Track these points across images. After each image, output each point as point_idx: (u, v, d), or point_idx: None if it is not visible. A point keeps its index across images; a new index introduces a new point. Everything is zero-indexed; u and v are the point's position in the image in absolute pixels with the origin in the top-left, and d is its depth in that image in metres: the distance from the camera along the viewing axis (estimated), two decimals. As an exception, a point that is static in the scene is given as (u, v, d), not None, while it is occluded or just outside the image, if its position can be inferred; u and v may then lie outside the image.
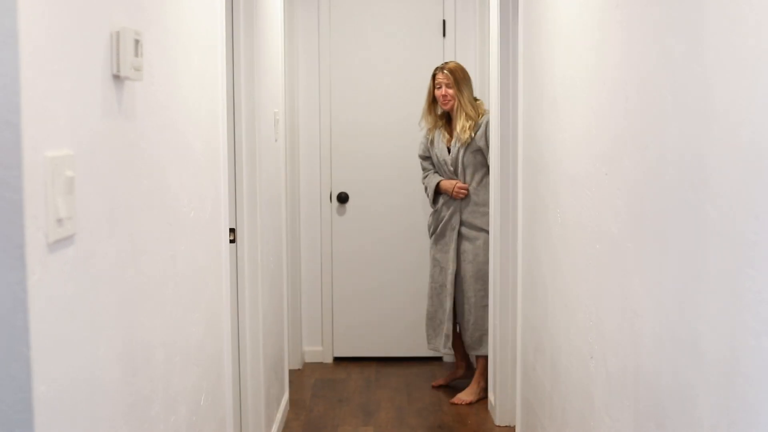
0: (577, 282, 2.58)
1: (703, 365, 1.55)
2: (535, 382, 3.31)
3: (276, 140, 4.45)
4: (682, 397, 1.66)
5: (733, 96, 1.41)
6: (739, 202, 1.38)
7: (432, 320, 5.23)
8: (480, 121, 4.97)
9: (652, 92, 1.84)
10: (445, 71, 5.07)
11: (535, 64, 3.27)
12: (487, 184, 4.98)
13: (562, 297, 2.80)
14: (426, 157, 5.25)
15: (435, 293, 5.18)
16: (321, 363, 5.81)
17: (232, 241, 3.62)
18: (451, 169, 5.06)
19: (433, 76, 5.13)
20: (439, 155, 5.11)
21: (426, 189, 5.25)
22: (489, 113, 5.00)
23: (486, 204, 4.96)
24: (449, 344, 5.10)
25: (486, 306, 5.02)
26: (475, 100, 5.09)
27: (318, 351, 5.84)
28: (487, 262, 4.99)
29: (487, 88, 5.36)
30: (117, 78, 1.68)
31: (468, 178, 5.03)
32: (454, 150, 5.04)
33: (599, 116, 2.31)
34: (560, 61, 2.82)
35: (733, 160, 1.41)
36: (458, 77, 5.05)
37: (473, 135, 4.95)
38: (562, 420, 2.81)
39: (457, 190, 4.99)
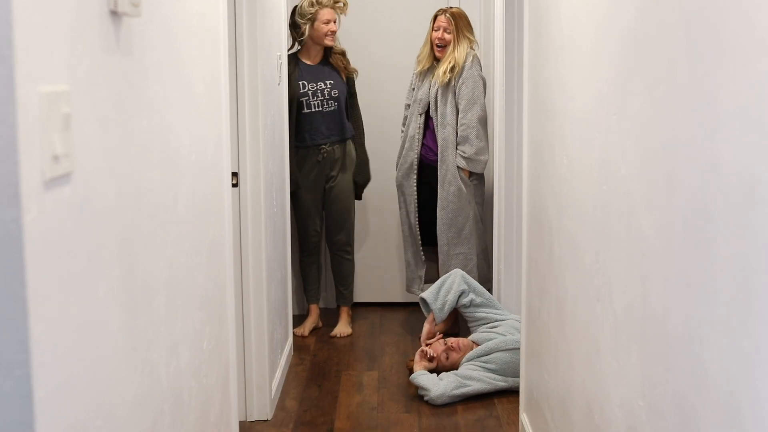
0: (584, 224, 2.55)
1: (713, 305, 1.52)
2: (540, 327, 3.29)
3: (279, 83, 4.40)
4: (691, 338, 1.64)
5: (747, 30, 1.36)
6: (753, 140, 1.35)
7: (408, 263, 5.32)
8: (462, 68, 4.92)
9: (662, 30, 1.79)
10: (447, 14, 4.99)
11: (542, 9, 3.21)
12: (452, 143, 4.97)
13: (568, 240, 2.77)
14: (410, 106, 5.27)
15: (405, 236, 5.29)
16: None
17: (234, 185, 3.59)
18: (424, 107, 5.06)
19: (435, 18, 5.05)
20: (419, 93, 5.10)
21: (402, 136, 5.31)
22: (474, 56, 4.97)
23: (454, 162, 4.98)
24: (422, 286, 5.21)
25: (459, 254, 5.07)
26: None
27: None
28: (461, 209, 5.01)
29: (492, 33, 5.29)
30: (114, 14, 1.64)
31: (438, 118, 5.00)
32: (433, 90, 5.01)
33: (607, 57, 2.26)
34: (567, 5, 2.76)
35: (746, 96, 1.37)
36: (460, 24, 4.97)
37: (455, 81, 4.92)
38: (568, 365, 2.80)
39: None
